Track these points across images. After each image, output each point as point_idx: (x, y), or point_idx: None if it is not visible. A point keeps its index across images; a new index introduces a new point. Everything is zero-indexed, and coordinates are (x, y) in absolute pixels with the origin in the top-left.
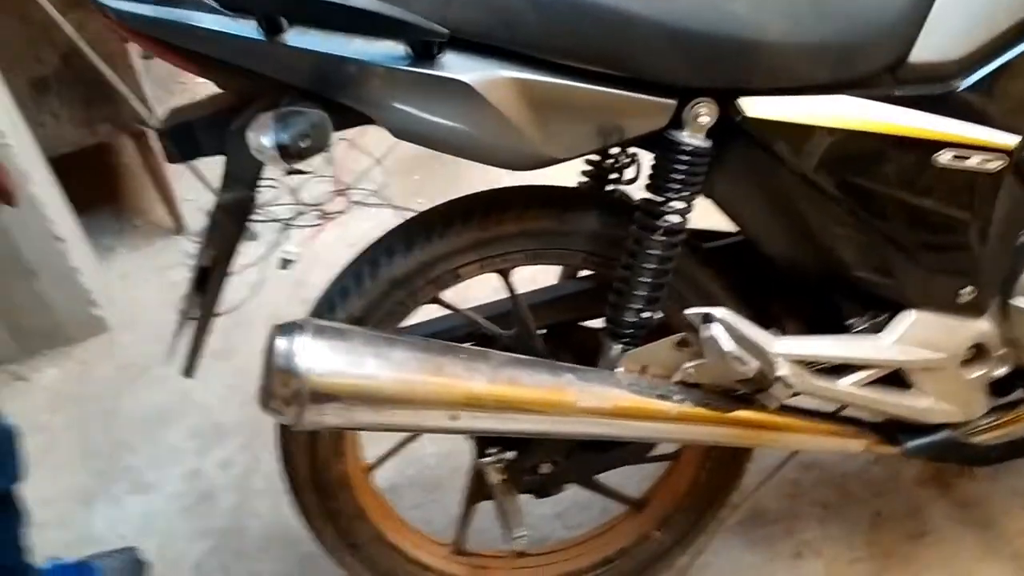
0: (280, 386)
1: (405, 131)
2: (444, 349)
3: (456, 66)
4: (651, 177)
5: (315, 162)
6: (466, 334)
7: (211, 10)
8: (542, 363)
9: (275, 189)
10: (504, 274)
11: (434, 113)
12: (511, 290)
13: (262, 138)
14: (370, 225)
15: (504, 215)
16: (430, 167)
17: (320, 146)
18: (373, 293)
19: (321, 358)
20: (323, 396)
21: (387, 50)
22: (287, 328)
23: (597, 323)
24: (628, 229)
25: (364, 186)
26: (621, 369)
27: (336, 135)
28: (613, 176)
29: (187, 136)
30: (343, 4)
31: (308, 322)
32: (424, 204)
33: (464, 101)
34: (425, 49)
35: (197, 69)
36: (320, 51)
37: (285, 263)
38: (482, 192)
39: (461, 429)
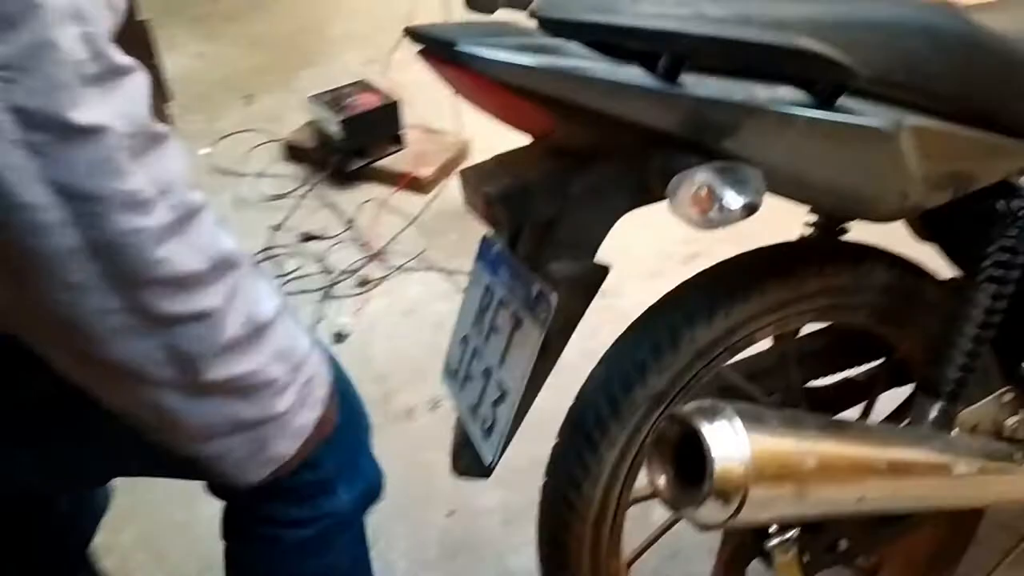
0: (721, 481)
1: (787, 182)
2: (842, 424)
3: (859, 112)
4: (981, 229)
5: (333, 226)
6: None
7: (590, 58)
8: (903, 430)
9: (299, 257)
10: (782, 337)
11: (835, 162)
12: (785, 353)
13: (726, 196)
14: (419, 291)
15: (807, 271)
16: (466, 227)
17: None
18: (676, 366)
19: (758, 442)
20: (765, 484)
21: (785, 96)
22: (706, 413)
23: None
24: (922, 281)
25: (399, 249)
26: (956, 430)
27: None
28: (841, 226)
29: (521, 201)
30: (762, 41)
31: (720, 404)
32: (469, 266)
33: (872, 149)
34: (830, 94)
35: (556, 123)
36: (733, 100)
37: (339, 337)
38: (771, 247)
39: (863, 509)
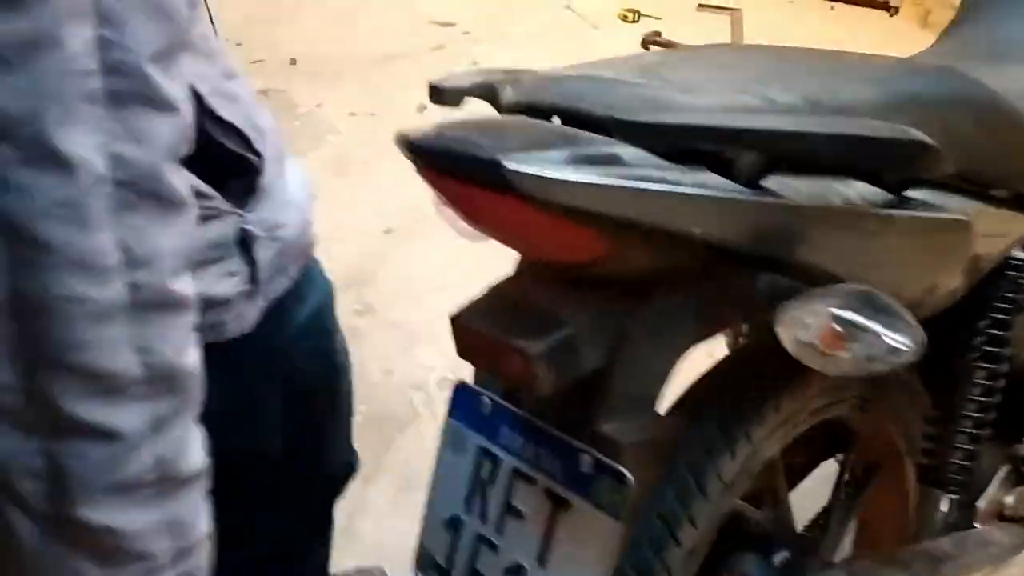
0: None
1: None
2: (929, 557)
3: (931, 204)
4: (972, 302)
5: None
6: None
7: (655, 166)
8: (966, 544)
9: None
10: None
11: (911, 261)
12: (779, 466)
13: (898, 337)
14: None
15: (806, 369)
16: None
17: None
18: (706, 511)
19: None
20: None
21: (865, 193)
22: None
23: None
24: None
25: None
26: (978, 525)
27: None
28: None
29: (570, 354)
30: (876, 136)
31: None
32: None
33: (951, 242)
34: (899, 187)
35: (611, 248)
36: (834, 205)
37: None
38: (758, 349)
39: None
